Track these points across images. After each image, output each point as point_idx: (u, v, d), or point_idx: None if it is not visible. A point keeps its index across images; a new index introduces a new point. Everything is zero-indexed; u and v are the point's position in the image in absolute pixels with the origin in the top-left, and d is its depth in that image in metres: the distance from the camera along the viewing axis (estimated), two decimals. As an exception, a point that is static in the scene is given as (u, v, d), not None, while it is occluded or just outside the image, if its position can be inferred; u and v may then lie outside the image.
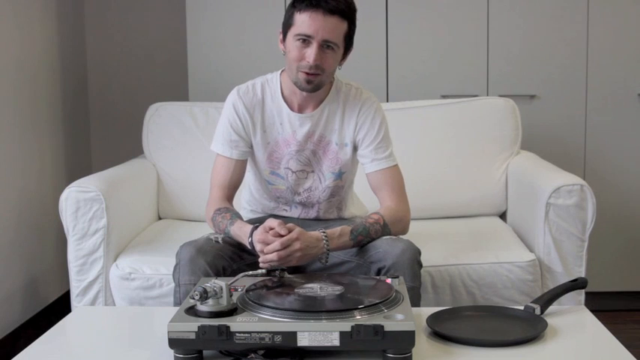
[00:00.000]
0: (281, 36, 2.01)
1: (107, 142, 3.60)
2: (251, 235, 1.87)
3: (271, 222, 1.84)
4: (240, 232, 1.93)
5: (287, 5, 1.99)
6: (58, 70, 3.18)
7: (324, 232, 1.89)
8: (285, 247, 1.79)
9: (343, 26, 1.95)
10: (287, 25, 1.96)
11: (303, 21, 1.91)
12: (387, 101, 3.08)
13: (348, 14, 1.94)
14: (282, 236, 1.81)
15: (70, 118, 3.33)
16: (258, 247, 1.83)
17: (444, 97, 3.06)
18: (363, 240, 1.95)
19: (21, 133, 2.80)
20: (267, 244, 1.80)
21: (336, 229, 1.92)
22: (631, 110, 3.10)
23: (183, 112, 2.84)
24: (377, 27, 3.08)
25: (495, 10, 3.08)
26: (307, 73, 1.94)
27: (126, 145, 3.45)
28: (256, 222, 2.04)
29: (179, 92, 3.45)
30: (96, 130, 3.61)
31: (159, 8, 3.55)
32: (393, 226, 2.00)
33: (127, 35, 3.57)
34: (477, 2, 3.08)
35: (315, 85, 1.98)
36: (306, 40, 1.92)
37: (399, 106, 2.85)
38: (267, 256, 1.80)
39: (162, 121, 2.84)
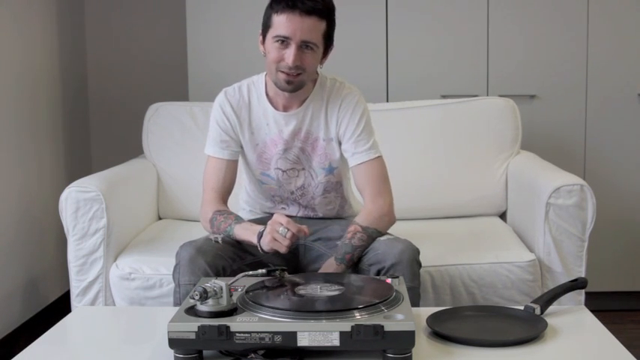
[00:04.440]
0: (261, 37, 2.00)
1: (107, 142, 3.60)
2: (262, 232, 1.88)
3: (279, 217, 1.84)
4: (250, 229, 1.93)
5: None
6: (59, 70, 3.18)
7: None
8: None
9: (321, 26, 1.94)
10: (265, 27, 1.97)
11: (281, 22, 1.91)
12: (387, 101, 3.08)
13: (325, 13, 1.94)
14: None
15: (70, 118, 3.33)
16: (268, 229, 1.84)
17: (444, 97, 3.06)
18: (353, 255, 1.95)
19: (21, 133, 2.80)
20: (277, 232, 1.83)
21: (321, 268, 1.97)
22: (631, 110, 3.10)
23: (183, 112, 2.84)
24: (377, 27, 3.08)
25: (495, 10, 3.08)
26: (287, 74, 1.94)
27: (126, 145, 3.45)
28: (256, 223, 2.04)
29: (179, 92, 3.45)
30: (96, 130, 3.61)
31: (159, 9, 3.55)
32: (374, 224, 1.99)
33: (127, 35, 3.57)
34: (477, 2, 3.08)
35: (296, 85, 1.99)
36: (284, 41, 1.92)
37: (399, 106, 2.85)
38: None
39: (162, 121, 2.84)
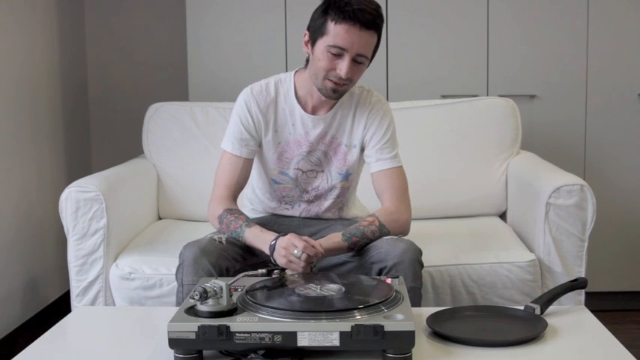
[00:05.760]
0: (307, 38, 1.98)
1: (107, 142, 3.60)
2: (275, 239, 1.87)
3: (295, 240, 1.84)
4: (261, 238, 1.92)
5: (317, 10, 1.94)
6: (59, 70, 3.18)
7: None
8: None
9: (374, 40, 1.95)
10: (318, 32, 1.93)
11: (339, 33, 1.89)
12: (387, 101, 3.07)
13: (380, 29, 1.95)
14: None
15: (71, 118, 3.33)
16: (282, 252, 1.82)
17: (444, 97, 3.06)
18: (359, 241, 1.95)
19: (21, 133, 2.80)
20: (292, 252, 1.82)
21: (325, 237, 1.94)
22: (631, 110, 3.10)
23: (183, 112, 2.84)
24: (377, 27, 3.08)
25: (495, 10, 3.08)
26: (336, 83, 1.94)
27: (126, 145, 3.45)
28: (258, 222, 2.04)
29: (179, 92, 3.45)
30: (96, 130, 3.61)
31: (159, 9, 3.55)
32: (390, 225, 2.00)
33: (127, 35, 3.57)
34: (477, 3, 3.08)
35: (340, 94, 2.00)
36: (339, 51, 1.91)
37: (399, 106, 2.84)
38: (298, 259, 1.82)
39: (162, 121, 2.83)
